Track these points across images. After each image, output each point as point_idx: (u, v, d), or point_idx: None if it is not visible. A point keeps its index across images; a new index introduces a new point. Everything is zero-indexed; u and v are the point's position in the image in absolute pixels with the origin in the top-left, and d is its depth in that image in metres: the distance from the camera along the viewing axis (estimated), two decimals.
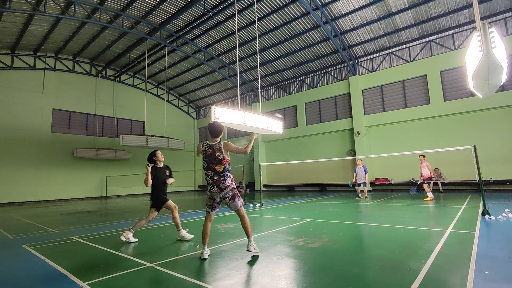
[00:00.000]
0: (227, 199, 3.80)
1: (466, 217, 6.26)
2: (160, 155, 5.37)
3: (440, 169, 13.62)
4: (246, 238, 3.92)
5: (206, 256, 3.75)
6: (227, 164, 3.84)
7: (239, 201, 3.83)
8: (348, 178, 17.02)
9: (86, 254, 4.36)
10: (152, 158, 5.29)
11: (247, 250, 3.85)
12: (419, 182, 10.57)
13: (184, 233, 5.09)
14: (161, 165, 5.36)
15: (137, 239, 5.08)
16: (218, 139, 3.94)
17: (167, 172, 5.39)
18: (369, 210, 8.24)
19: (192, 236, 5.08)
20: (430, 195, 10.11)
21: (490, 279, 2.70)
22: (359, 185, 11.35)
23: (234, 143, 3.96)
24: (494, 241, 4.26)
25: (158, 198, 5.19)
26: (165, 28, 16.47)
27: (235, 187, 3.90)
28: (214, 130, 3.90)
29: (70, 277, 3.22)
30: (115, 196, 21.08)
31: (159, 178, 5.21)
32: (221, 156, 3.77)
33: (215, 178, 3.79)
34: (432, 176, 10.47)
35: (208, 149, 3.85)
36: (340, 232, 5.24)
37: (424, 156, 10.31)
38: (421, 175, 10.33)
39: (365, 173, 11.18)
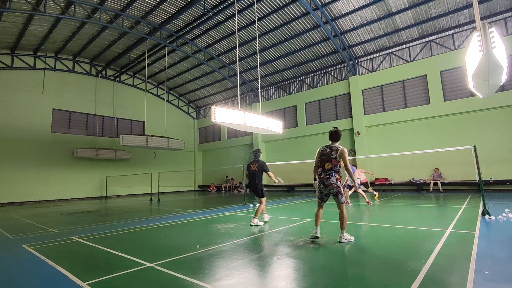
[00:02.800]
0: (332, 194, 4.43)
1: (466, 217, 6.26)
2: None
3: (440, 169, 13.64)
4: (318, 230, 4.59)
5: (318, 234, 4.52)
6: (336, 166, 4.41)
7: (342, 198, 4.41)
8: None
9: (86, 254, 4.36)
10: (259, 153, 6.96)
11: (339, 241, 4.33)
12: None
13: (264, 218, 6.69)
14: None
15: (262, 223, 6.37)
16: (337, 144, 4.58)
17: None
18: (369, 210, 8.24)
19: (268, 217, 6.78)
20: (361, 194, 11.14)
21: (490, 279, 2.70)
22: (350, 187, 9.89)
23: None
24: (494, 241, 4.26)
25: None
26: (165, 28, 16.47)
27: (339, 185, 4.39)
28: (334, 136, 4.62)
29: (70, 277, 3.22)
30: (115, 196, 21.06)
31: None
32: (335, 155, 4.40)
33: (321, 175, 4.45)
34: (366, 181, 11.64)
35: (326, 149, 4.56)
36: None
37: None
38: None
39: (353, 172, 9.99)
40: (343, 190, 4.51)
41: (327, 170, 4.40)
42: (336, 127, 4.73)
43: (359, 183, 10.11)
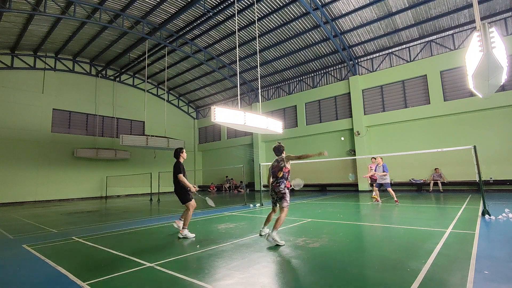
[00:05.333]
0: (278, 197, 4.86)
1: (466, 217, 6.26)
2: (185, 153, 5.88)
3: (440, 169, 13.64)
4: (264, 229, 5.21)
5: (263, 233, 5.14)
6: (287, 173, 4.89)
7: (285, 203, 4.76)
8: (347, 178, 17.01)
9: (86, 254, 4.36)
10: (179, 154, 5.73)
11: (266, 239, 4.52)
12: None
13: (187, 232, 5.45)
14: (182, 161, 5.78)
15: (194, 235, 5.39)
16: (282, 155, 5.04)
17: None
18: (369, 210, 8.24)
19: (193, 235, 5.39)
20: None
21: (490, 279, 2.70)
22: (379, 185, 9.93)
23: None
24: (494, 241, 4.26)
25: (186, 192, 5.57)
26: (165, 28, 16.47)
27: (286, 192, 4.82)
28: (277, 150, 5.10)
29: (70, 277, 3.22)
30: (115, 196, 21.07)
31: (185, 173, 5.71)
32: (283, 164, 4.89)
33: (273, 184, 4.95)
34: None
35: (274, 163, 5.05)
36: (340, 232, 5.25)
37: (381, 158, 10.72)
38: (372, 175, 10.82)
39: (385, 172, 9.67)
40: (288, 196, 4.82)
41: (279, 179, 4.89)
42: (279, 142, 5.24)
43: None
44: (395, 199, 9.48)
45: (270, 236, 4.37)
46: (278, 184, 4.86)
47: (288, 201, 4.79)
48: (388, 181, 9.63)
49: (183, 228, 5.33)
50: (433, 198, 10.71)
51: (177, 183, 5.51)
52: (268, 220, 5.20)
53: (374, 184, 10.21)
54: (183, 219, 5.61)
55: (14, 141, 17.31)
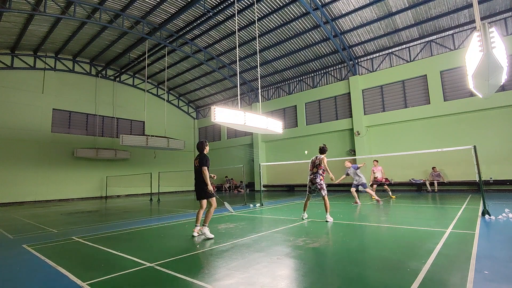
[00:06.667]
0: (317, 189, 6.53)
1: (466, 217, 6.26)
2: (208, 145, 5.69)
3: (438, 168, 13.64)
4: (304, 214, 6.80)
5: (304, 217, 6.68)
6: (320, 170, 6.51)
7: (323, 192, 6.49)
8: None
9: (86, 254, 4.36)
10: (204, 146, 5.57)
11: (326, 221, 6.26)
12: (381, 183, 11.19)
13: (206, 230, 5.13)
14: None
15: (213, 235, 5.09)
16: (322, 155, 6.61)
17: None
18: (368, 210, 8.24)
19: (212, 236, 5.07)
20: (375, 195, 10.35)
21: (490, 279, 2.70)
22: (356, 186, 10.30)
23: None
24: (494, 241, 4.26)
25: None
26: (165, 28, 16.47)
27: (322, 184, 6.49)
28: (321, 150, 6.70)
29: (70, 277, 3.22)
30: (115, 196, 21.06)
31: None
32: (318, 162, 6.57)
33: (311, 176, 6.61)
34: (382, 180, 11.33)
35: (314, 158, 6.71)
36: (340, 232, 5.25)
37: (377, 161, 11.32)
38: (375, 178, 11.09)
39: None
40: (325, 186, 6.52)
41: (314, 173, 6.55)
42: (324, 144, 6.74)
43: (364, 181, 10.13)
44: (377, 198, 9.69)
45: (327, 219, 6.22)
46: (314, 177, 6.49)
47: (326, 190, 6.49)
48: (363, 181, 9.97)
49: (203, 226, 5.09)
50: (433, 198, 10.71)
51: (201, 176, 5.28)
52: (305, 206, 6.78)
53: (352, 185, 10.33)
54: (199, 225, 5.35)
55: (14, 141, 17.31)
